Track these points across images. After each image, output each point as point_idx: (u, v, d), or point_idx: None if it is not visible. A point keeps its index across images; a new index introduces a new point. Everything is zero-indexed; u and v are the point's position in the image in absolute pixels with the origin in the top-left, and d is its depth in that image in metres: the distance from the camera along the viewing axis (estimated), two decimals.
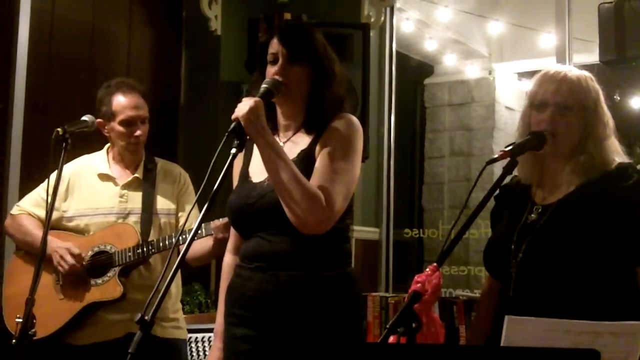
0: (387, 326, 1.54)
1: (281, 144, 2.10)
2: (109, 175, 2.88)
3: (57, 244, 2.74)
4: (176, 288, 2.94)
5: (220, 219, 2.56)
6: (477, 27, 6.13)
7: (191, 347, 3.42)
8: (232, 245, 2.30)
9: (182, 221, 2.84)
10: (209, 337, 3.44)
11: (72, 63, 4.10)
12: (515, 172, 1.99)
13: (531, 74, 2.09)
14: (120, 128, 2.82)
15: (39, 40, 3.87)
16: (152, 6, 4.59)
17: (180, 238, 2.58)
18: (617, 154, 1.97)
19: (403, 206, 6.10)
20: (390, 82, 5.07)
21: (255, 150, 2.15)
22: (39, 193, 2.87)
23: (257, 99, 1.97)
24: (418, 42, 6.07)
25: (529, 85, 2.05)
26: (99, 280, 2.75)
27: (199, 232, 2.58)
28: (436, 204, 6.62)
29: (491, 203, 2.01)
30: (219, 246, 2.54)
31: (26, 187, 3.60)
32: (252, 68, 2.24)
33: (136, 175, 2.88)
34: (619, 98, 6.07)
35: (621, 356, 1.50)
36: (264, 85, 2.05)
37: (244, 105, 1.94)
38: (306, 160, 2.07)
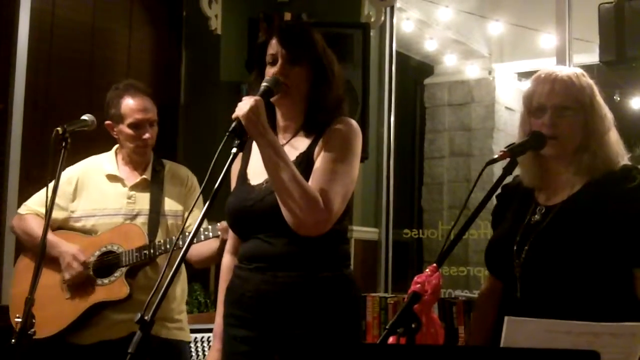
0: (387, 327, 1.54)
1: None
2: (118, 176, 2.89)
3: (65, 248, 2.76)
4: (181, 290, 2.95)
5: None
6: (477, 27, 6.14)
7: (190, 348, 3.42)
8: (230, 246, 2.29)
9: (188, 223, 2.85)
10: (208, 337, 3.44)
11: (72, 63, 4.10)
12: (516, 172, 1.99)
13: (531, 74, 2.09)
14: (129, 130, 2.84)
15: (39, 40, 3.87)
16: (152, 6, 4.59)
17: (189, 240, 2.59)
18: (620, 149, 1.97)
19: (402, 206, 6.10)
20: (390, 82, 5.08)
21: (254, 151, 2.15)
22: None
23: (257, 97, 1.96)
24: (418, 42, 6.07)
25: (528, 86, 2.05)
26: (106, 280, 2.76)
27: (207, 234, 2.60)
28: (436, 205, 6.62)
29: (491, 203, 2.00)
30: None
31: (26, 187, 3.61)
32: (252, 68, 2.23)
33: (144, 176, 2.89)
34: (619, 98, 6.08)
35: (621, 357, 1.49)
36: (263, 84, 2.03)
37: (245, 105, 1.92)
38: (305, 162, 2.06)
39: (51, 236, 2.77)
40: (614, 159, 1.94)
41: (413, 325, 1.53)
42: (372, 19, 4.75)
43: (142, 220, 2.83)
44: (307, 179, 2.00)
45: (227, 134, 1.88)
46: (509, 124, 6.51)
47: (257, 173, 2.12)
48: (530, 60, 6.03)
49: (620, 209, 1.85)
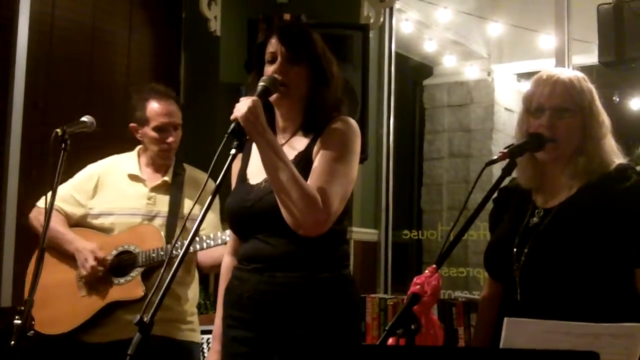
0: (386, 328, 1.54)
1: None
2: (139, 176, 2.91)
3: (82, 245, 2.77)
4: (193, 292, 2.96)
5: None
6: (476, 28, 6.14)
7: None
8: (230, 247, 2.29)
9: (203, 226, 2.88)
10: (207, 338, 3.44)
11: (72, 63, 4.10)
12: (514, 175, 1.99)
13: (530, 75, 2.09)
14: (153, 134, 2.86)
15: (38, 41, 3.87)
16: (152, 7, 4.59)
17: (205, 244, 2.67)
18: (615, 154, 1.97)
19: (402, 207, 6.11)
20: (389, 83, 5.08)
21: (253, 152, 2.15)
22: (69, 189, 2.88)
23: (254, 98, 1.95)
24: (417, 43, 6.07)
25: (528, 87, 2.05)
26: (122, 280, 2.77)
27: (223, 238, 2.64)
28: (435, 206, 6.62)
29: (489, 205, 2.00)
30: None
31: (25, 187, 3.61)
32: (251, 69, 2.22)
33: (165, 178, 2.91)
34: (618, 99, 6.08)
35: (621, 358, 1.49)
36: (261, 84, 2.03)
37: (242, 105, 1.92)
38: (304, 161, 2.06)
39: (69, 233, 2.81)
40: (609, 162, 1.94)
41: (412, 327, 1.54)
42: (372, 20, 4.75)
43: (160, 222, 2.84)
44: (306, 179, 2.00)
45: (226, 135, 1.87)
46: (508, 125, 6.51)
47: (256, 173, 2.12)
48: (529, 61, 6.04)
49: (618, 209, 1.85)
